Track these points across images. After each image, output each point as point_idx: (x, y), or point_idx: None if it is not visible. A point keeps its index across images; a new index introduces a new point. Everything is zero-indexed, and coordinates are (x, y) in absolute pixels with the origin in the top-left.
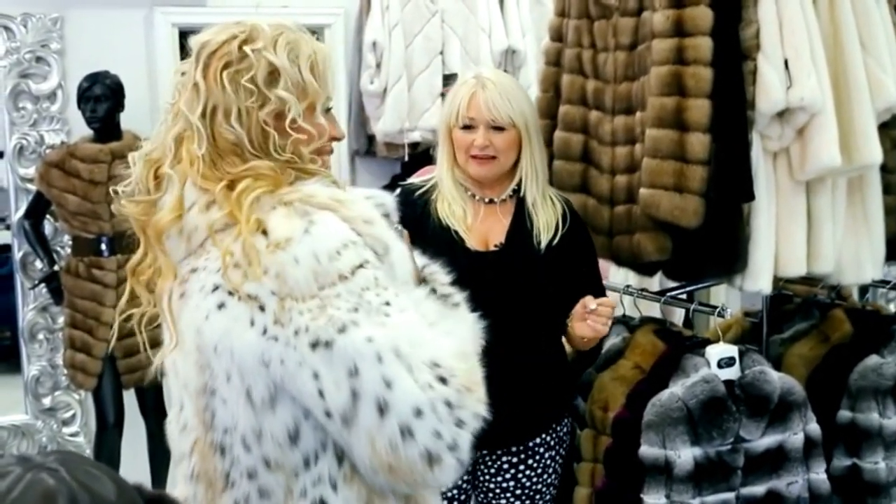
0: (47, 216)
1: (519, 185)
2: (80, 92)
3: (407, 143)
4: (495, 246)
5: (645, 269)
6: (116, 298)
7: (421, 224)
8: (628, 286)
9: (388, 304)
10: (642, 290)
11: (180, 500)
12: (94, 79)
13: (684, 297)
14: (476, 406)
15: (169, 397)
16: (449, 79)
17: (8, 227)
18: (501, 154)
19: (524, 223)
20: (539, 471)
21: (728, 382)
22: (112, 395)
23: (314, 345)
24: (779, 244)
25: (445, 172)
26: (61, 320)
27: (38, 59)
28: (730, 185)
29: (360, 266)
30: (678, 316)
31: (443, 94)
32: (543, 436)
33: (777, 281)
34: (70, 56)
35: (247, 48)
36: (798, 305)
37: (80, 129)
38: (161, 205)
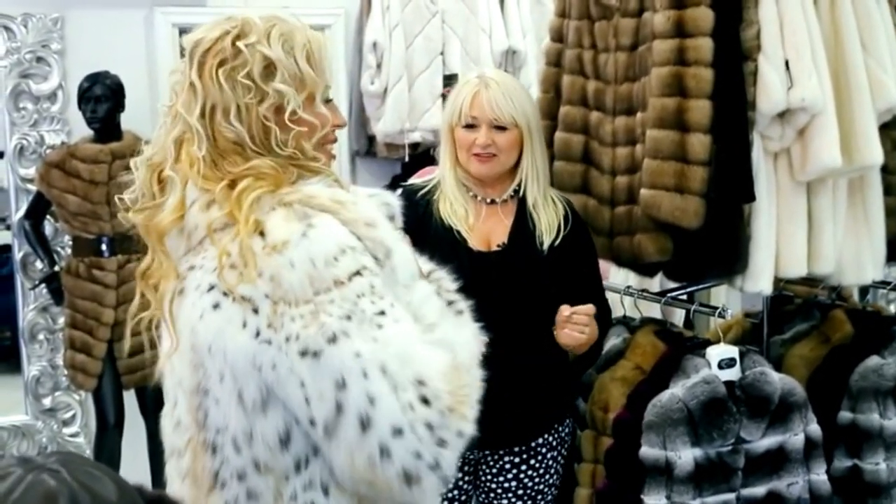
0: (48, 216)
1: (520, 185)
2: (80, 92)
3: (407, 144)
4: (498, 246)
5: (645, 269)
6: (117, 299)
7: (423, 224)
8: (629, 287)
9: (382, 313)
10: (643, 290)
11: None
12: (94, 79)
13: (685, 297)
14: (459, 424)
15: (166, 393)
16: (449, 79)
17: (8, 228)
18: (503, 153)
19: (526, 224)
20: (541, 471)
21: (729, 383)
22: (112, 395)
23: (303, 353)
24: (779, 245)
25: (448, 172)
26: (61, 321)
27: (39, 60)
28: (730, 186)
29: (357, 273)
30: (679, 317)
31: (443, 95)
32: (545, 436)
33: (778, 282)
34: (70, 56)
35: (240, 43)
36: (799, 306)
37: (80, 130)
38: (164, 207)
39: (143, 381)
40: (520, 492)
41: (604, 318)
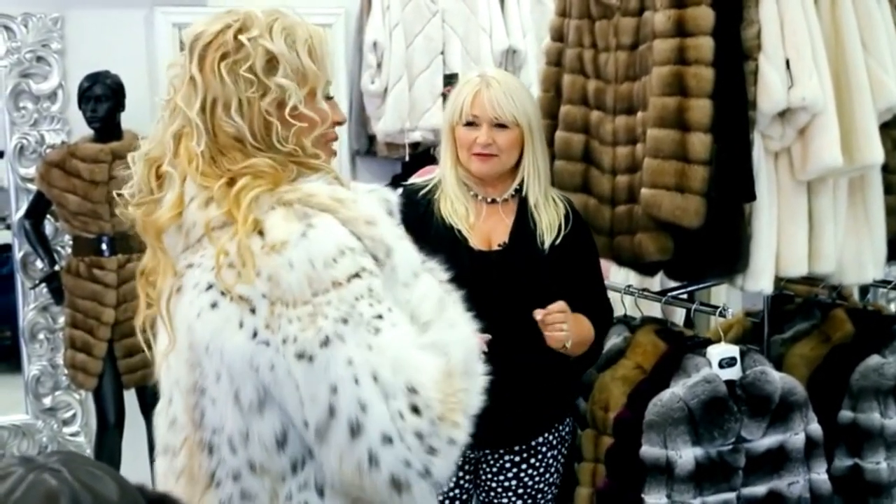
0: (48, 216)
1: (521, 184)
2: (80, 92)
3: (408, 143)
4: (499, 245)
5: (646, 269)
6: (117, 298)
7: (424, 223)
8: (629, 286)
9: (380, 317)
10: (643, 290)
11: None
12: (94, 78)
13: (685, 297)
14: (451, 432)
15: (161, 391)
16: (450, 79)
17: (8, 227)
18: (504, 152)
19: (527, 223)
20: (541, 470)
21: (729, 382)
22: (113, 394)
23: (300, 356)
24: (780, 244)
25: (448, 171)
26: (62, 320)
27: (39, 59)
28: (731, 185)
29: (356, 275)
30: (679, 316)
31: (443, 94)
32: (546, 435)
33: (778, 281)
34: (70, 56)
35: (242, 37)
36: (799, 305)
37: (80, 129)
38: (162, 203)
39: (144, 381)
40: (520, 491)
41: (605, 318)
